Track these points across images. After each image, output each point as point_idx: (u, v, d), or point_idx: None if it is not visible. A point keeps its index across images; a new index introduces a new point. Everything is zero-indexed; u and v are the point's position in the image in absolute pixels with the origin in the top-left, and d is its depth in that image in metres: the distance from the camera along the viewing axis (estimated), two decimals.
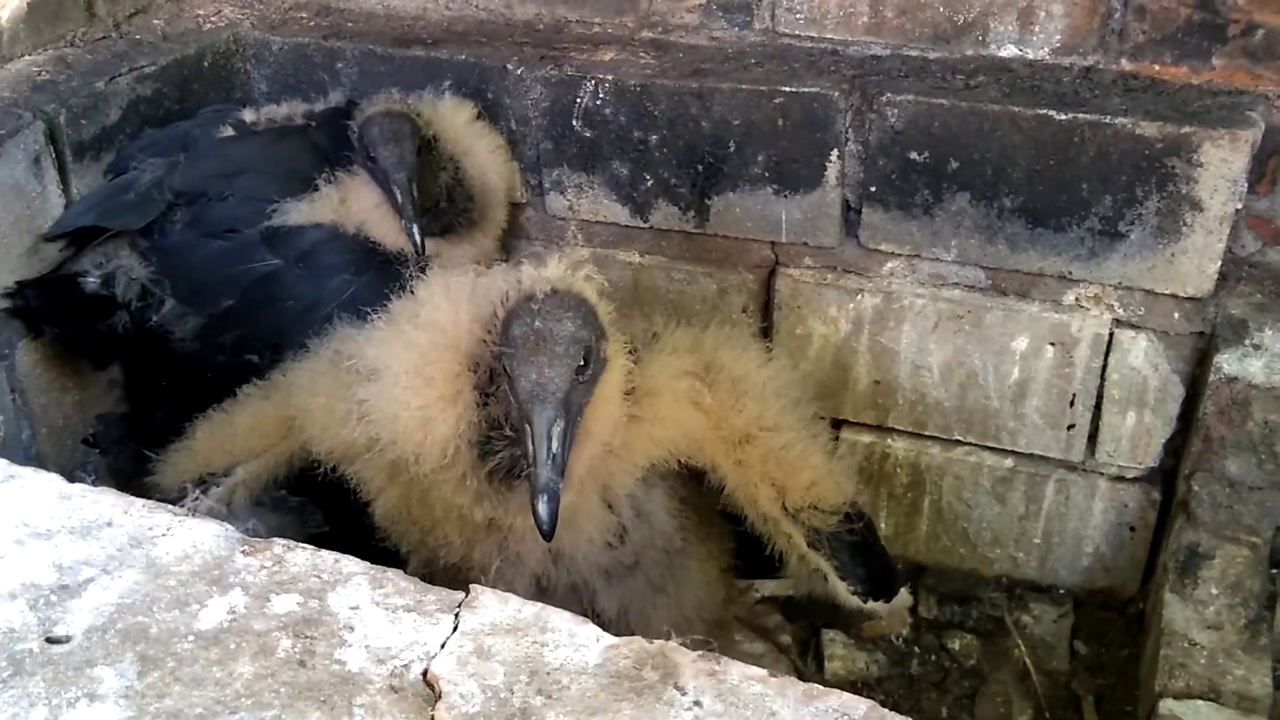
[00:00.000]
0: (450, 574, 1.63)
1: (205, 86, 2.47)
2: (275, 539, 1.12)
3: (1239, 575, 2.08)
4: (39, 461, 2.27)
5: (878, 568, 1.77)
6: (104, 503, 1.18)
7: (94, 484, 2.35)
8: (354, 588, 1.06)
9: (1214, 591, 2.07)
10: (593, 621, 1.97)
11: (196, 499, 1.81)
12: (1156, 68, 2.13)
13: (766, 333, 2.43)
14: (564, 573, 1.69)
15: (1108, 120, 2.03)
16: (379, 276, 2.23)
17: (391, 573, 1.08)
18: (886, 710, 0.94)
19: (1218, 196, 2.02)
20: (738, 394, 1.71)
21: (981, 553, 2.48)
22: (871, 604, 1.76)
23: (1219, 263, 2.08)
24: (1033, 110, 2.07)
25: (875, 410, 2.41)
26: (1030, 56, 2.20)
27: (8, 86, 2.20)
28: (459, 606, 1.04)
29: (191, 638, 1.01)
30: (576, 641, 1.00)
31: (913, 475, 2.46)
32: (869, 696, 2.34)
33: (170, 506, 1.17)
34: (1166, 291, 2.13)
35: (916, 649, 2.41)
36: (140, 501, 1.18)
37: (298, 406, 1.75)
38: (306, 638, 1.01)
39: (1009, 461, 2.38)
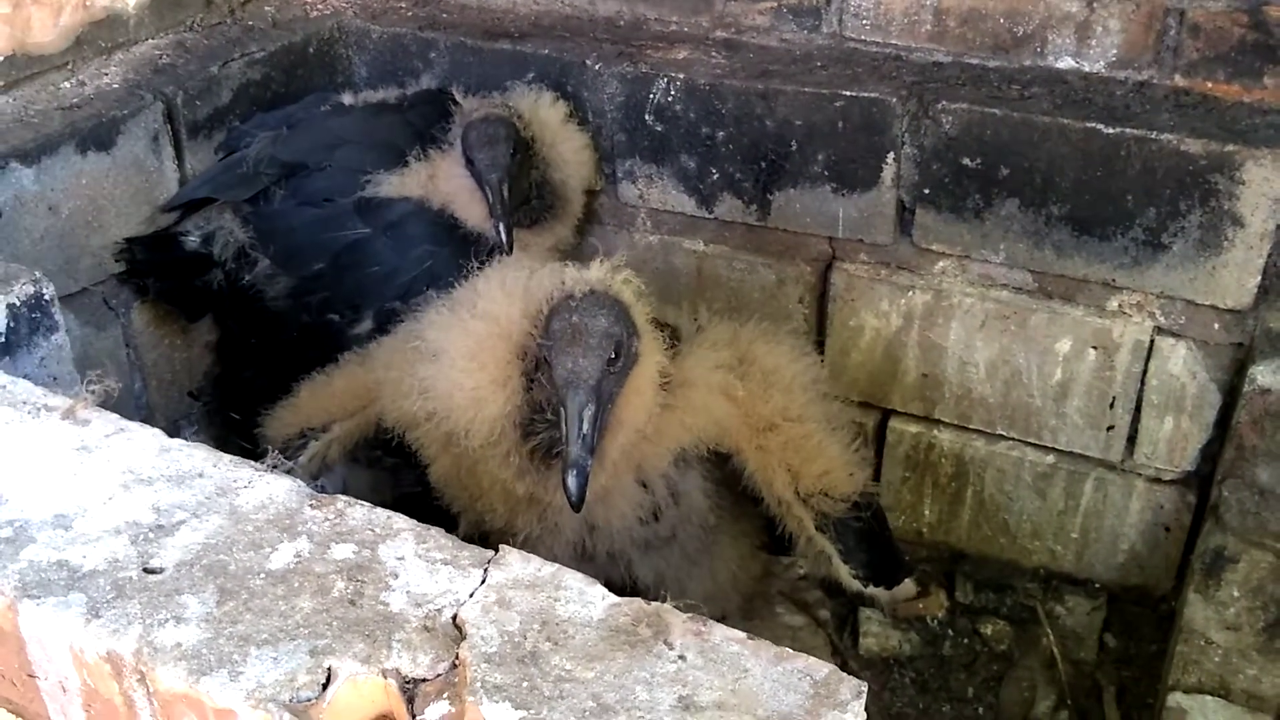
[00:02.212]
0: (496, 537, 1.81)
1: (310, 71, 2.66)
2: (339, 496, 1.29)
3: (1262, 580, 2.15)
4: (149, 410, 2.51)
5: (881, 556, 1.89)
6: (197, 456, 1.36)
7: (195, 434, 2.60)
8: (401, 541, 1.23)
9: (1235, 594, 2.14)
10: (630, 589, 2.15)
11: (297, 450, 2.02)
12: (1209, 85, 2.19)
13: (821, 324, 2.55)
14: (602, 542, 1.85)
15: (1154, 136, 2.11)
16: (457, 251, 2.41)
17: (435, 531, 1.25)
18: (846, 675, 1.07)
19: (1259, 214, 2.08)
20: (767, 385, 1.86)
21: (1021, 544, 2.58)
22: (872, 589, 1.89)
23: (1259, 277, 2.14)
24: (1081, 123, 2.15)
25: (922, 402, 2.52)
26: (1086, 69, 2.27)
27: (132, 69, 2.41)
28: (488, 563, 1.20)
29: (263, 575, 1.18)
30: (585, 599, 1.15)
31: (957, 466, 2.56)
32: (900, 673, 2.48)
33: (252, 463, 1.35)
34: (1207, 302, 2.20)
35: (950, 631, 2.53)
36: (228, 457, 1.36)
37: (376, 377, 1.94)
38: (358, 581, 1.18)
39: (1050, 458, 2.47)
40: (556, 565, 1.19)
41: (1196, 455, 2.33)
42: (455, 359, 1.68)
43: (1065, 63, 2.28)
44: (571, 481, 1.54)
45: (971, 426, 2.50)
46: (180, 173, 2.43)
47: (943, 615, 2.56)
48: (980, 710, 2.37)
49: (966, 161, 2.26)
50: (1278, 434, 2.17)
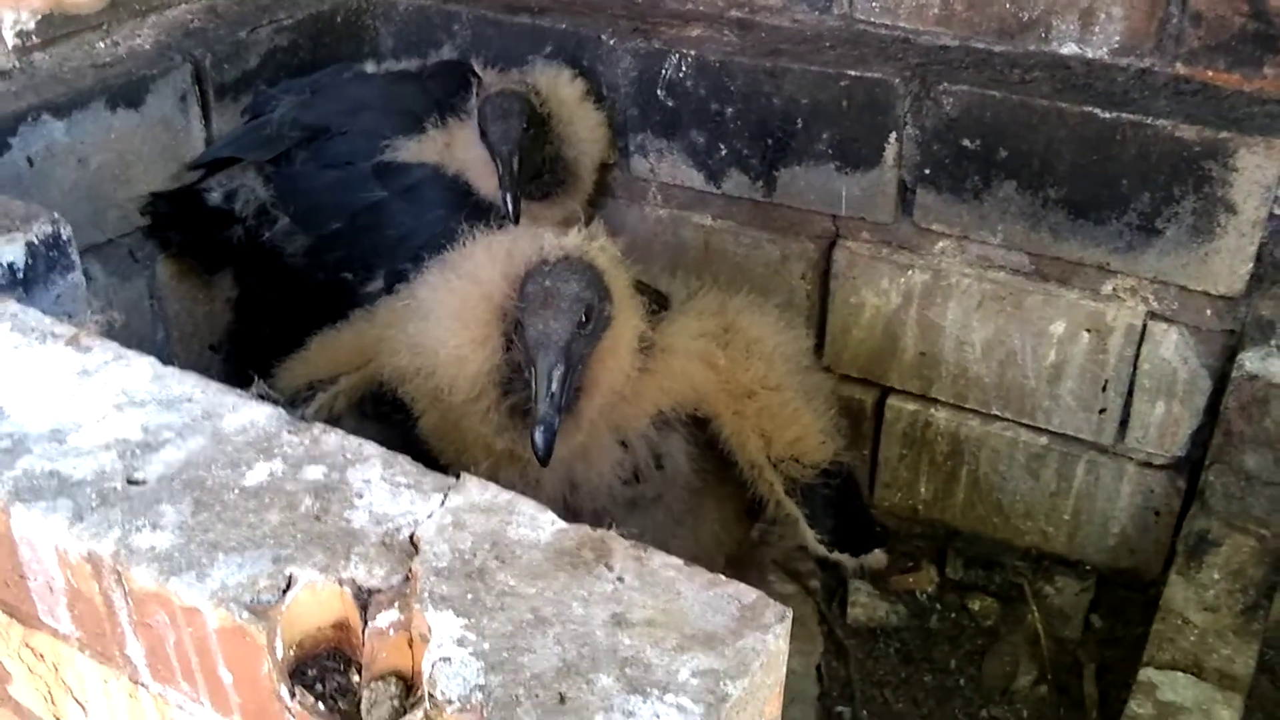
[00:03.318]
0: None
1: (336, 39, 2.75)
2: (317, 424, 1.37)
3: (1243, 563, 2.18)
4: (171, 360, 2.60)
5: (848, 523, 1.94)
6: (188, 383, 1.44)
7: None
8: (369, 466, 1.30)
9: (1216, 577, 2.17)
10: None
11: (305, 401, 2.11)
12: (1210, 73, 2.22)
13: (823, 300, 2.60)
14: (585, 500, 1.91)
15: (1149, 121, 2.14)
16: (470, 217, 2.48)
17: (402, 457, 1.32)
18: (772, 600, 1.12)
19: (1251, 201, 2.11)
20: (749, 354, 1.92)
21: (1013, 524, 2.61)
22: (837, 554, 1.94)
23: (1251, 264, 2.16)
24: (1078, 107, 2.18)
25: (920, 380, 2.56)
26: (1089, 55, 2.30)
27: (164, 31, 2.51)
28: (449, 489, 1.27)
29: (237, 491, 1.26)
30: (535, 524, 1.22)
31: (952, 445, 2.60)
32: (885, 643, 2.53)
33: (239, 390, 1.43)
34: (1199, 288, 2.22)
35: (938, 605, 2.57)
36: (216, 384, 1.44)
37: (379, 334, 2.02)
38: (324, 499, 1.25)
39: (1043, 439, 2.50)
40: (513, 494, 1.26)
41: (1187, 440, 2.36)
42: (440, 317, 1.76)
43: (1069, 48, 2.32)
44: (539, 437, 1.62)
45: (967, 406, 2.55)
46: (207, 133, 2.53)
47: (932, 590, 2.61)
48: (961, 681, 2.41)
49: (966, 143, 2.30)
50: (1265, 420, 2.19)
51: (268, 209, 2.50)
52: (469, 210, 2.47)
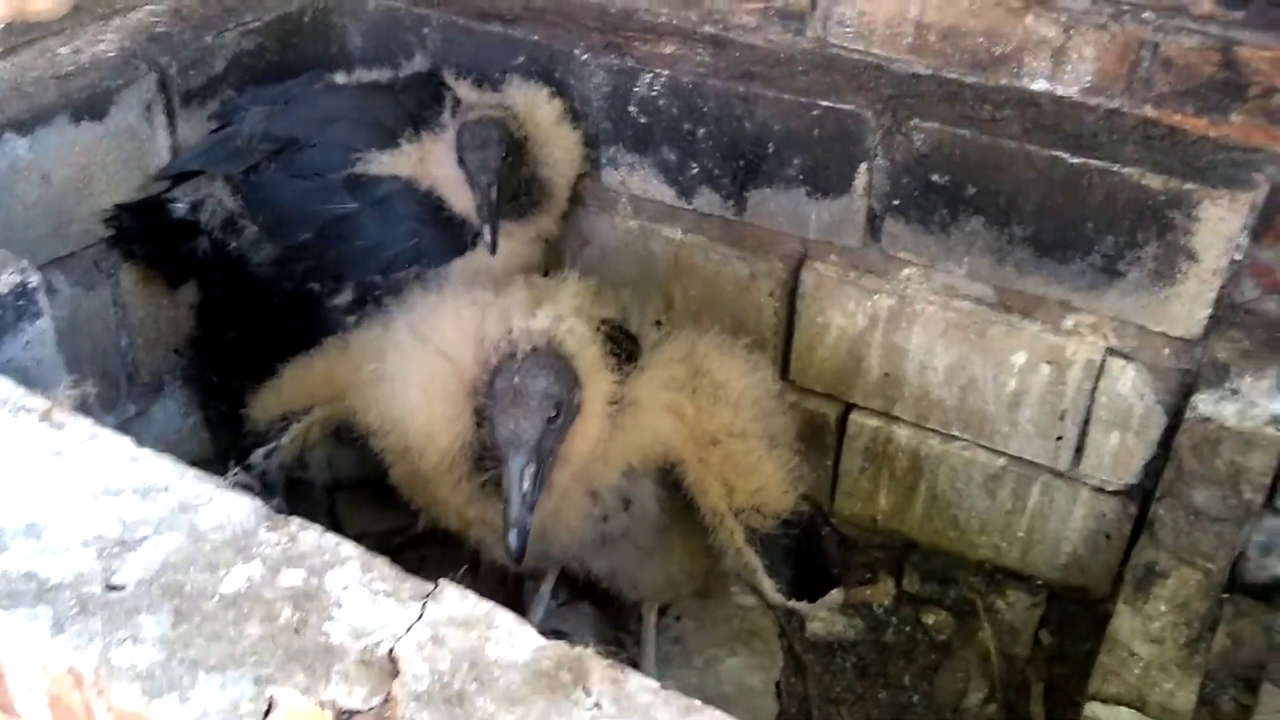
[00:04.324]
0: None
1: (304, 41, 2.70)
2: (293, 518, 1.38)
3: (1188, 596, 2.26)
4: (134, 367, 2.60)
5: (806, 572, 1.98)
6: (163, 468, 1.45)
7: (180, 388, 2.68)
8: (347, 570, 1.32)
9: (1163, 609, 2.24)
10: (585, 580, 2.25)
11: (280, 431, 2.11)
12: (1178, 117, 2.24)
13: (790, 318, 2.63)
14: (554, 543, 1.94)
15: (1116, 169, 2.16)
16: (442, 232, 2.49)
17: (380, 560, 1.34)
18: None
19: (1213, 251, 2.15)
20: (716, 399, 1.94)
21: (969, 538, 2.68)
22: (794, 603, 1.98)
23: (1209, 310, 2.21)
24: (1047, 150, 2.20)
25: (883, 399, 2.61)
26: (1060, 93, 2.31)
27: (128, 36, 2.45)
28: (427, 597, 1.29)
29: (216, 599, 1.28)
30: (513, 640, 1.25)
31: (912, 461, 2.66)
32: (842, 657, 2.60)
33: (215, 478, 1.44)
34: (1158, 329, 2.27)
35: (894, 619, 2.65)
36: (192, 471, 1.45)
37: (350, 374, 2.02)
38: (303, 609, 1.27)
39: (1001, 461, 2.56)
40: (491, 604, 1.29)
41: (1140, 470, 2.42)
42: (410, 389, 1.76)
43: (1039, 85, 2.32)
44: (513, 540, 1.64)
45: (928, 426, 2.59)
46: (172, 141, 2.49)
47: (888, 603, 2.68)
48: (915, 698, 2.49)
49: (935, 178, 2.31)
50: (1215, 461, 2.26)
51: (235, 219, 2.48)
52: (441, 226, 2.47)
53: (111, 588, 1.29)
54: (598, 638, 2.54)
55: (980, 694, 2.49)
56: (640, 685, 1.22)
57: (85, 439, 1.49)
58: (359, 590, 1.30)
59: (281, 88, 2.55)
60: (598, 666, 1.23)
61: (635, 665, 2.43)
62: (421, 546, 2.66)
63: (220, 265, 2.51)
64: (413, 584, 1.32)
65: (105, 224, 2.40)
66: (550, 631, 2.60)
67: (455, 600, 1.29)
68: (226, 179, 2.48)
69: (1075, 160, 2.18)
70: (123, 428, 2.53)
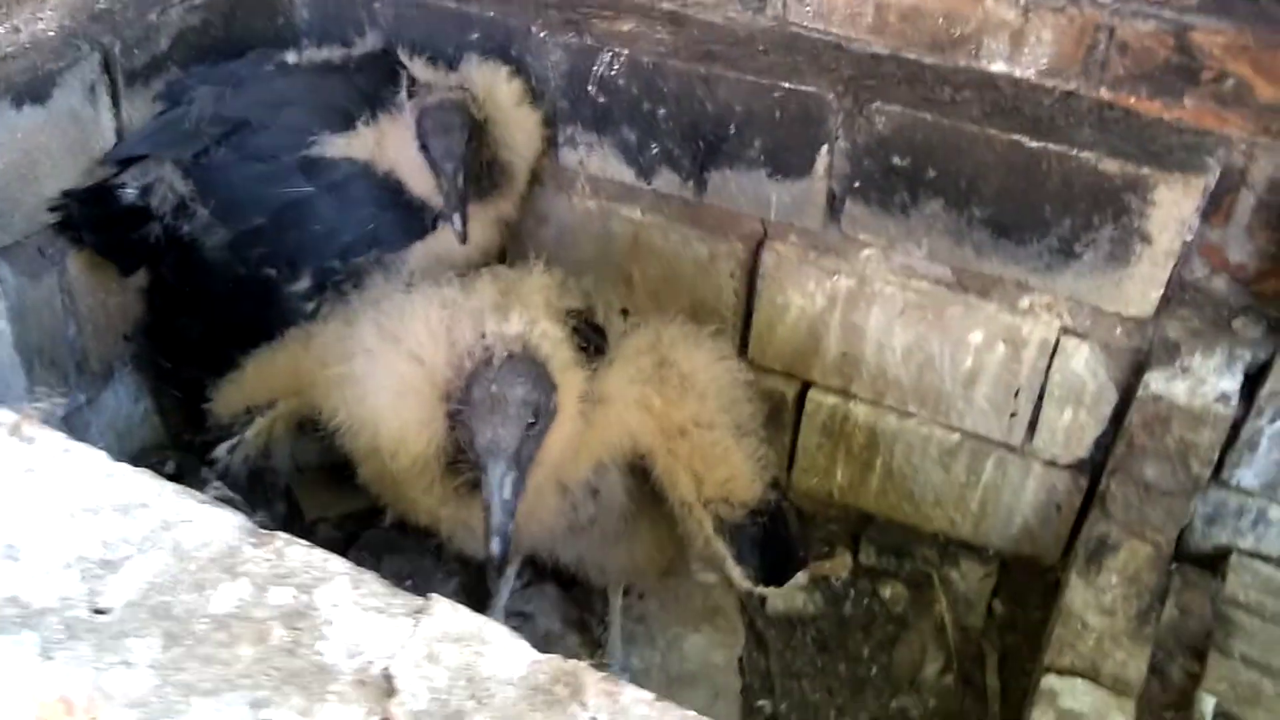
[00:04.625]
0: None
1: (250, 16, 2.63)
2: (278, 534, 1.37)
3: (1139, 569, 2.33)
4: (83, 355, 2.54)
5: (773, 559, 2.00)
6: (141, 484, 1.42)
7: (129, 373, 2.63)
8: (336, 586, 1.31)
9: (1114, 580, 2.31)
10: (553, 567, 2.26)
11: (244, 426, 2.09)
12: (1133, 100, 2.27)
13: (750, 298, 2.64)
14: (524, 535, 1.95)
15: (1074, 153, 2.19)
16: (402, 216, 2.46)
17: (369, 575, 1.33)
18: None
19: (1166, 234, 2.19)
20: (683, 390, 1.94)
21: (923, 511, 2.73)
22: (761, 589, 2.01)
23: (1162, 290, 2.26)
24: (1007, 135, 2.23)
25: (841, 377, 2.64)
26: (1018, 75, 2.33)
27: (68, 14, 2.37)
28: (419, 612, 1.29)
29: (205, 620, 1.27)
30: (507, 655, 1.25)
31: (869, 437, 2.69)
32: (803, 632, 2.64)
33: (195, 493, 1.42)
34: (1112, 309, 2.32)
35: (852, 592, 2.70)
36: (171, 487, 1.42)
37: (313, 367, 1.99)
38: (295, 628, 1.27)
39: (955, 436, 2.61)
40: (483, 618, 1.29)
41: (1091, 445, 2.48)
42: (381, 393, 1.74)
43: (998, 66, 2.34)
44: (495, 546, 1.65)
45: (885, 403, 2.63)
46: (117, 122, 2.42)
47: (846, 576, 2.72)
48: (873, 670, 2.55)
49: (896, 160, 2.33)
50: (1165, 437, 2.32)
51: (186, 203, 2.41)
52: (401, 209, 2.43)
53: (98, 611, 1.27)
54: (562, 618, 2.56)
55: (937, 665, 2.55)
56: (635, 698, 1.23)
57: (58, 453, 1.45)
58: (350, 607, 1.30)
59: (230, 67, 2.48)
60: (592, 680, 1.24)
61: (601, 646, 2.48)
62: (378, 528, 2.66)
63: (173, 251, 2.45)
64: (403, 599, 1.31)
65: (52, 212, 2.33)
66: (515, 613, 2.63)
67: (447, 615, 1.29)
68: (176, 162, 2.42)
69: (1034, 144, 2.21)
70: (73, 416, 2.51)
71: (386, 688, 1.22)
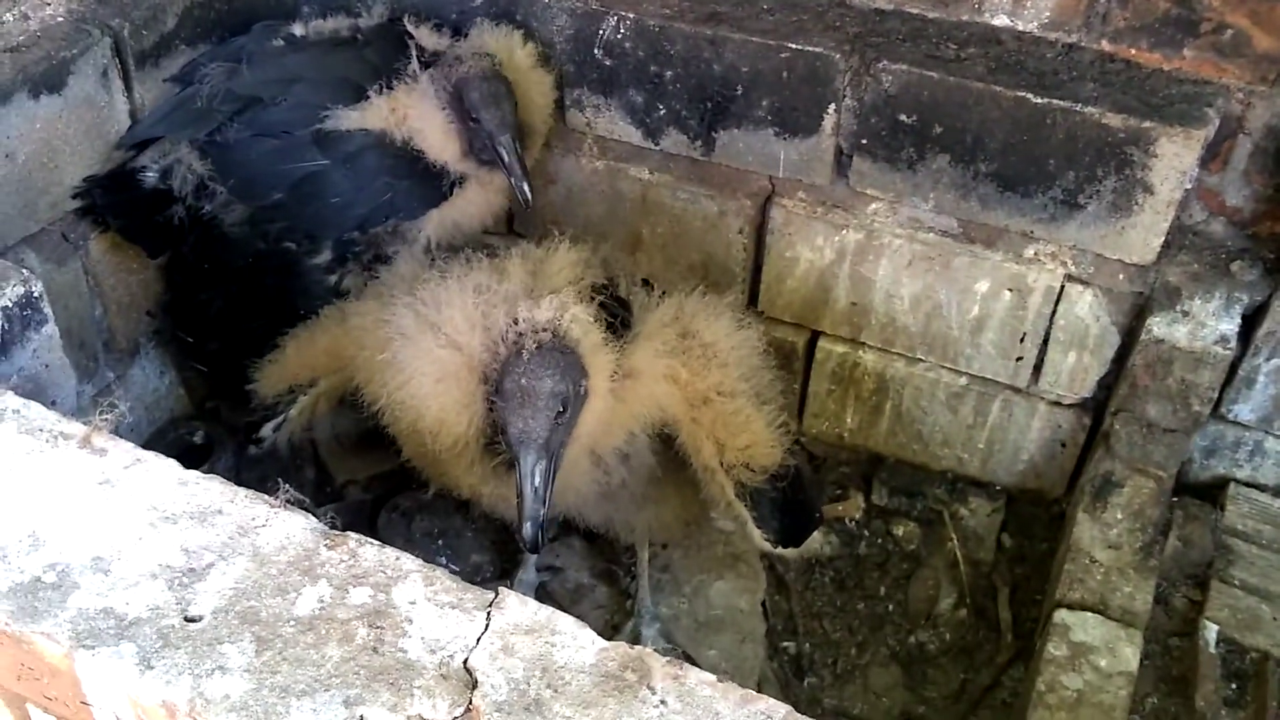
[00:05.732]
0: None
1: None
2: (350, 534, 1.44)
3: (1143, 504, 2.43)
4: (110, 334, 2.59)
5: (791, 522, 2.08)
6: (214, 491, 1.49)
7: (154, 349, 2.68)
8: (411, 584, 1.39)
9: (1119, 516, 2.42)
10: (580, 528, 2.35)
11: (288, 404, 2.16)
12: (1133, 51, 2.31)
13: (759, 253, 2.70)
14: (559, 506, 2.03)
15: (1078, 108, 2.24)
16: (419, 184, 2.49)
17: (440, 571, 1.41)
18: (801, 715, 1.28)
19: (1168, 184, 2.25)
20: (706, 360, 2.01)
21: (932, 451, 2.83)
22: (780, 549, 2.11)
23: (1163, 238, 2.33)
24: (1012, 91, 2.27)
25: (850, 327, 2.71)
26: (1020, 28, 2.37)
27: None
28: (490, 606, 1.38)
29: (292, 623, 1.35)
30: (578, 644, 1.34)
31: (879, 383, 2.77)
32: (821, 573, 2.74)
33: (266, 497, 1.49)
34: (1115, 257, 2.39)
35: (866, 532, 2.80)
36: (243, 492, 1.49)
37: (351, 348, 2.05)
38: (377, 627, 1.35)
39: (963, 380, 2.69)
40: (550, 610, 1.38)
41: (1094, 385, 2.57)
42: (421, 381, 1.81)
43: (1001, 20, 2.38)
44: (529, 532, 1.73)
45: (894, 350, 2.71)
46: (130, 104, 2.43)
47: (860, 517, 2.83)
48: (890, 607, 2.67)
49: (903, 118, 2.37)
50: (1167, 378, 2.41)
51: (206, 183, 2.44)
52: (418, 177, 2.47)
53: (189, 619, 1.35)
54: (590, 570, 2.66)
55: (950, 599, 2.66)
56: (699, 679, 1.32)
57: (129, 464, 1.52)
58: (425, 605, 1.38)
59: (239, 43, 2.49)
60: (658, 665, 1.33)
61: (629, 596, 2.58)
62: (409, 490, 2.74)
63: (195, 230, 2.48)
64: (475, 594, 1.39)
65: (76, 199, 2.36)
66: (545, 567, 2.72)
67: (517, 608, 1.38)
68: (192, 142, 2.44)
69: (1039, 100, 2.25)
70: (103, 394, 2.56)
71: (468, 680, 1.31)
